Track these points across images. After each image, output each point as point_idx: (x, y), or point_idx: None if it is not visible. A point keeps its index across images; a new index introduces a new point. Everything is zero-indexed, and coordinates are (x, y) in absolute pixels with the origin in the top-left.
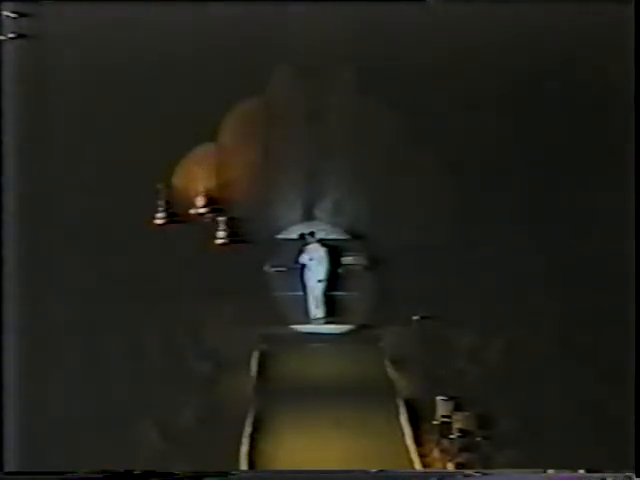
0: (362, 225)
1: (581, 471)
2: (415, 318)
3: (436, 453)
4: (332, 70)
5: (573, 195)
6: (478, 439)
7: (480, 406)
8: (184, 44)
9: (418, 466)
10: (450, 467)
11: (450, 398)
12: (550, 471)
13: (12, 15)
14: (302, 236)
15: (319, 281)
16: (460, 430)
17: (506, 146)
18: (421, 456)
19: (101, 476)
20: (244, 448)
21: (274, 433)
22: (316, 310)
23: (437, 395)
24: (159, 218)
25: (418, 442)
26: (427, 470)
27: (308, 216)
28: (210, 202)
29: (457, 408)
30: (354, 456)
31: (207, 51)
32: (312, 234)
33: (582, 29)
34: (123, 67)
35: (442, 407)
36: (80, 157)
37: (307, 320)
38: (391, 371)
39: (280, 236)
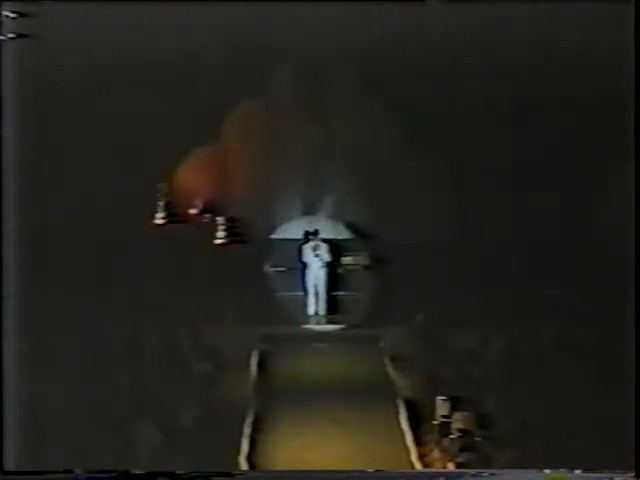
0: (362, 225)
1: (578, 471)
2: (416, 318)
3: (436, 453)
4: (332, 70)
5: (573, 195)
6: (478, 439)
7: (480, 406)
8: (184, 44)
9: (418, 466)
10: (450, 467)
11: (450, 398)
12: (547, 471)
13: (12, 15)
14: (307, 234)
15: (324, 279)
16: (460, 430)
17: (506, 146)
18: (421, 456)
19: (101, 476)
20: (244, 448)
21: (274, 433)
22: (317, 309)
23: (437, 395)
24: (159, 218)
25: (418, 442)
26: (426, 470)
27: (308, 216)
28: (210, 202)
29: (457, 408)
30: (354, 456)
31: (207, 51)
32: (316, 232)
33: (582, 29)
34: (123, 67)
35: (442, 407)
36: (80, 157)
37: (307, 320)
38: (391, 371)
39: (279, 236)
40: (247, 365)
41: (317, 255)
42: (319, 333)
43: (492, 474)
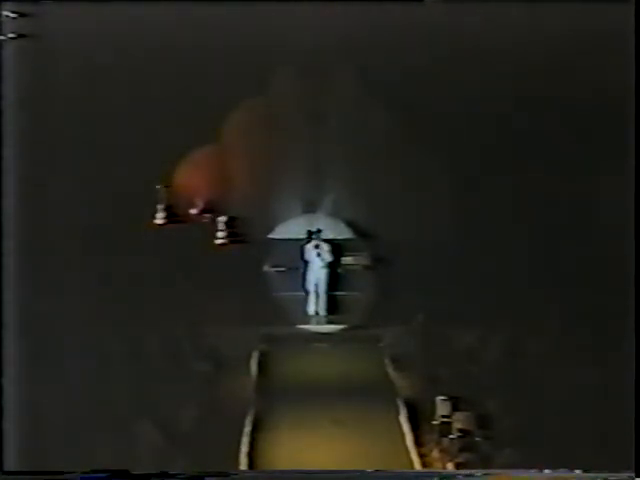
0: (362, 225)
1: (577, 471)
2: (416, 318)
3: (436, 453)
4: (332, 70)
5: (573, 195)
6: (478, 439)
7: (480, 406)
8: (185, 45)
9: (418, 466)
10: (450, 467)
11: (450, 398)
12: (547, 471)
13: (12, 15)
14: (309, 233)
15: (326, 278)
16: (460, 430)
17: (506, 146)
18: (421, 456)
19: (101, 476)
20: (244, 448)
21: (274, 433)
22: (317, 309)
23: (437, 395)
24: (159, 218)
25: (418, 442)
26: (426, 470)
27: (308, 216)
28: (210, 202)
29: (457, 408)
30: (354, 456)
31: (207, 51)
32: (319, 231)
33: (582, 29)
34: (123, 67)
35: (442, 407)
36: (80, 157)
37: (307, 320)
38: (391, 371)
39: (279, 236)
40: (247, 365)
41: (319, 254)
42: (319, 333)
43: (485, 474)
